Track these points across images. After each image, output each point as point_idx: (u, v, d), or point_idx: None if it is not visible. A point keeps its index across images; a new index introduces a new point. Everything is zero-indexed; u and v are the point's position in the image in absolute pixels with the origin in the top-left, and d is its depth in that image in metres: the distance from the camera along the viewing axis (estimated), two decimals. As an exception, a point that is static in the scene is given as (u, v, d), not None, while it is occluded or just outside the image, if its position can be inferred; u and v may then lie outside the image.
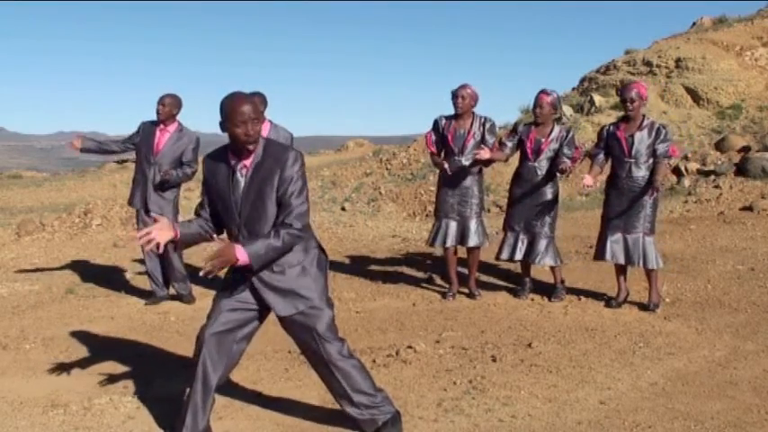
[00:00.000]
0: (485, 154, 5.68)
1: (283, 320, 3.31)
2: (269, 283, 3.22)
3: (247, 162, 3.12)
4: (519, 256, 5.94)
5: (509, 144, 5.91)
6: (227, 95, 3.09)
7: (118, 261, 7.99)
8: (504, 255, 6.01)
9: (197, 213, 3.35)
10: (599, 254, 5.73)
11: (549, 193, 5.85)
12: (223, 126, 3.09)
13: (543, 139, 5.79)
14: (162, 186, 5.97)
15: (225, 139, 3.15)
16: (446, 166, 5.83)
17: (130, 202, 6.23)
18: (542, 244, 5.83)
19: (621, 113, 5.88)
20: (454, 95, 5.84)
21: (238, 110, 3.02)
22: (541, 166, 5.82)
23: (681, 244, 7.70)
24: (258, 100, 5.81)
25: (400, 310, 5.76)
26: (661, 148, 5.42)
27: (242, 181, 3.11)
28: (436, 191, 6.19)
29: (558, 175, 5.84)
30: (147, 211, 5.97)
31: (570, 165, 5.69)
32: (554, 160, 5.78)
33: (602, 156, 5.64)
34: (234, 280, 3.27)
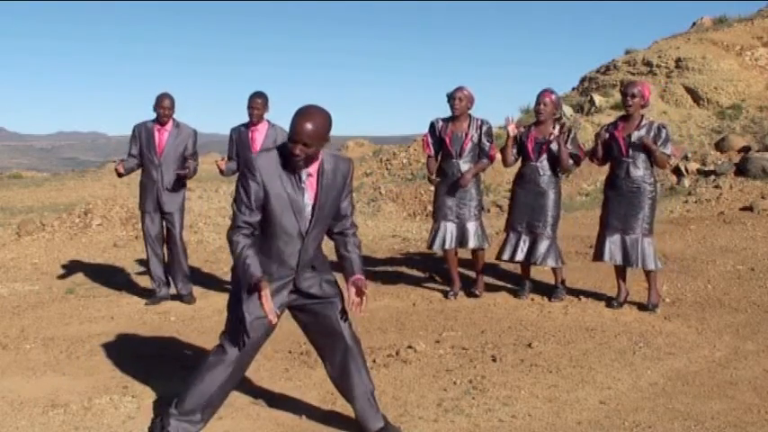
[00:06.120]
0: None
1: (315, 308, 3.33)
2: (319, 278, 3.31)
3: (312, 170, 3.16)
4: (520, 256, 5.90)
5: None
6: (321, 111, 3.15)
7: (118, 261, 7.99)
8: (506, 255, 5.98)
9: (238, 223, 3.10)
10: (597, 255, 5.73)
11: (551, 193, 5.83)
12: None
13: (545, 139, 5.79)
14: (175, 186, 6.01)
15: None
16: (433, 178, 6.02)
17: (142, 207, 6.16)
18: (544, 245, 5.80)
19: (622, 113, 5.87)
20: (450, 98, 5.84)
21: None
22: (544, 166, 5.81)
23: (681, 244, 7.69)
24: (262, 101, 5.81)
25: (400, 310, 5.75)
26: (662, 149, 5.42)
27: (307, 188, 3.14)
28: (434, 193, 6.19)
29: (560, 174, 5.88)
30: (162, 213, 6.03)
31: (574, 164, 5.80)
32: (557, 160, 5.79)
33: (599, 150, 5.66)
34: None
